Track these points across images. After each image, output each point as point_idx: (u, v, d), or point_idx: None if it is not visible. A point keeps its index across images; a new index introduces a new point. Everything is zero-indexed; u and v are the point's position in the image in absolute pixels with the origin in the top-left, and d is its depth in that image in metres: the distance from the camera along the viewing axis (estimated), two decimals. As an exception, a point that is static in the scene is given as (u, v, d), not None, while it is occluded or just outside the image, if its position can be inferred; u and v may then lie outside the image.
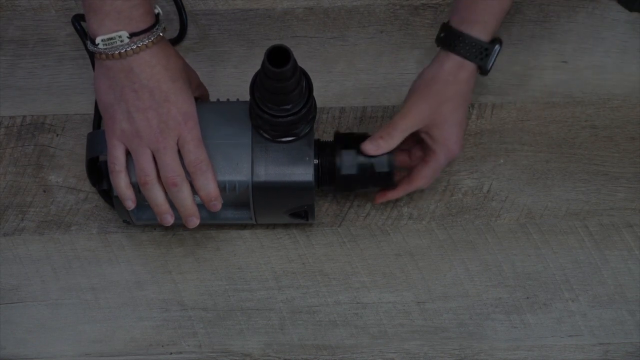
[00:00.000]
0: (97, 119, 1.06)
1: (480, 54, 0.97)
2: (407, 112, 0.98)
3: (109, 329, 1.04)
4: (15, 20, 1.14)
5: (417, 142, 1.03)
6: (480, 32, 0.97)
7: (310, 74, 0.94)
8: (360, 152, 0.98)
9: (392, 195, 1.03)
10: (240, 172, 0.95)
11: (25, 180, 1.09)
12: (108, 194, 1.00)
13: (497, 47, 0.98)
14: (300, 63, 0.92)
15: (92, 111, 1.09)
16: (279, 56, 0.87)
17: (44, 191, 1.08)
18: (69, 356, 1.04)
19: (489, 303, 1.05)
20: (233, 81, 1.12)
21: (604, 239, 1.07)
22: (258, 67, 0.90)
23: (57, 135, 1.10)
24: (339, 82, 1.12)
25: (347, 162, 0.99)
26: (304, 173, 0.96)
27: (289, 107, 0.92)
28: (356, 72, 1.13)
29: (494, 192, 1.08)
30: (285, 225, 1.07)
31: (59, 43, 1.13)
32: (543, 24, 1.14)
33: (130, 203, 0.95)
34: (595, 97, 1.12)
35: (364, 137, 0.99)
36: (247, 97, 0.94)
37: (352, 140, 0.99)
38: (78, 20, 1.05)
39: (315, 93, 0.95)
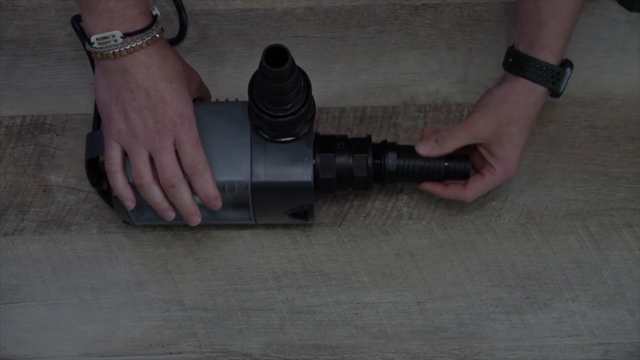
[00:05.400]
0: (97, 119, 1.06)
1: (552, 78, 0.97)
2: (469, 125, 0.98)
3: (109, 329, 1.04)
4: (15, 20, 1.14)
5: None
6: (548, 56, 0.97)
7: (310, 74, 0.94)
8: (337, 155, 0.98)
9: (439, 192, 1.02)
10: (239, 173, 0.95)
11: (25, 180, 1.09)
12: (108, 195, 1.00)
13: (568, 70, 0.98)
14: (300, 63, 0.92)
15: (92, 111, 1.09)
16: (276, 56, 0.87)
17: (44, 191, 1.08)
18: (69, 356, 1.04)
19: (489, 303, 1.05)
20: (233, 81, 1.11)
21: (604, 239, 1.07)
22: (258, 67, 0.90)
23: (57, 135, 1.10)
24: (339, 82, 1.12)
25: (326, 165, 0.98)
26: (303, 173, 0.96)
27: (287, 106, 0.92)
28: (356, 72, 1.12)
29: (494, 192, 1.08)
30: (285, 226, 1.07)
31: (59, 43, 1.13)
32: (543, 23, 1.14)
33: (130, 203, 0.95)
34: (595, 97, 1.12)
35: (342, 139, 0.99)
36: (247, 98, 0.94)
37: (331, 143, 0.99)
38: (77, 21, 1.05)
39: (315, 93, 0.95)
